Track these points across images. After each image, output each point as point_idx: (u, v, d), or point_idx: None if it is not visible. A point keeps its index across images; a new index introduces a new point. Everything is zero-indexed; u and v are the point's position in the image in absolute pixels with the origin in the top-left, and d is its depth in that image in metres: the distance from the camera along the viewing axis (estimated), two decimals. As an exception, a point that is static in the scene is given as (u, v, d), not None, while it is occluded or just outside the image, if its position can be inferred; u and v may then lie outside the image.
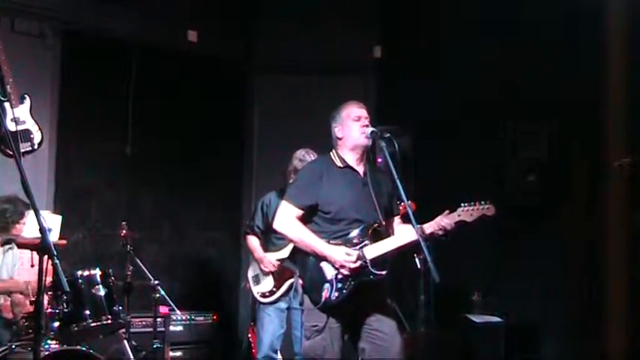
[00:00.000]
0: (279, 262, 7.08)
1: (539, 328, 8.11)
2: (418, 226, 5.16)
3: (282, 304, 7.11)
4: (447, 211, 5.22)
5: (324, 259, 5.22)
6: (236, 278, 9.03)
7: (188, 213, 8.98)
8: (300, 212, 5.36)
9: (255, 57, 9.41)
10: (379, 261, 5.21)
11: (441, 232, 5.20)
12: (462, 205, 5.20)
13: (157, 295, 6.82)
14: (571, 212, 8.08)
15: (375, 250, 5.22)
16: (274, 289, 7.10)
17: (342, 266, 5.16)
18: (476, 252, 8.19)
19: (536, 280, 8.06)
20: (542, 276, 8.05)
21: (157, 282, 6.79)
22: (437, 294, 7.46)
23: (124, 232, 6.86)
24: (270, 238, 7.17)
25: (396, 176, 5.21)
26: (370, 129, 5.40)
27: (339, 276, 5.19)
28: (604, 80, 7.66)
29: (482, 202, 5.17)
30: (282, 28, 9.18)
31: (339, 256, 5.16)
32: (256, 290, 7.19)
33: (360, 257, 5.17)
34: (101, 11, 8.21)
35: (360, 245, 5.23)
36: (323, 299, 5.19)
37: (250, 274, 7.30)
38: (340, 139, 5.47)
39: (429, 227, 5.21)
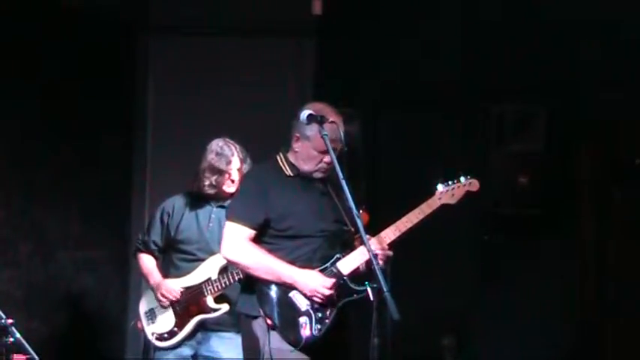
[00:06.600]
0: (182, 290, 6.94)
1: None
2: (374, 238, 5.47)
3: (187, 351, 6.96)
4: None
5: (293, 286, 5.52)
6: (122, 314, 8.99)
7: (55, 227, 8.77)
8: (252, 232, 5.62)
9: (152, 13, 9.34)
10: (357, 275, 5.54)
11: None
12: (440, 186, 5.63)
13: (11, 340, 6.70)
14: (577, 224, 8.07)
15: (349, 263, 5.56)
16: (175, 330, 6.97)
17: (315, 295, 5.49)
18: (448, 278, 8.20)
19: (527, 317, 8.03)
20: (538, 312, 8.02)
21: (10, 321, 6.65)
22: (395, 335, 7.42)
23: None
24: (172, 259, 7.09)
25: (341, 175, 5.34)
26: (307, 112, 5.55)
27: (316, 305, 5.52)
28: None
29: (463, 178, 5.64)
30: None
31: (313, 282, 5.49)
32: (151, 330, 7.05)
33: (339, 277, 5.53)
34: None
35: (332, 260, 5.57)
36: (304, 337, 5.49)
37: (143, 308, 7.15)
38: (296, 152, 5.74)
39: (392, 232, 5.56)
